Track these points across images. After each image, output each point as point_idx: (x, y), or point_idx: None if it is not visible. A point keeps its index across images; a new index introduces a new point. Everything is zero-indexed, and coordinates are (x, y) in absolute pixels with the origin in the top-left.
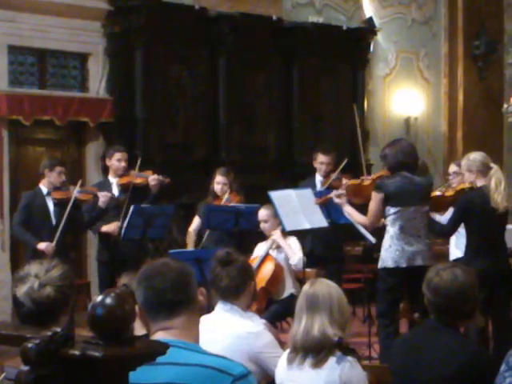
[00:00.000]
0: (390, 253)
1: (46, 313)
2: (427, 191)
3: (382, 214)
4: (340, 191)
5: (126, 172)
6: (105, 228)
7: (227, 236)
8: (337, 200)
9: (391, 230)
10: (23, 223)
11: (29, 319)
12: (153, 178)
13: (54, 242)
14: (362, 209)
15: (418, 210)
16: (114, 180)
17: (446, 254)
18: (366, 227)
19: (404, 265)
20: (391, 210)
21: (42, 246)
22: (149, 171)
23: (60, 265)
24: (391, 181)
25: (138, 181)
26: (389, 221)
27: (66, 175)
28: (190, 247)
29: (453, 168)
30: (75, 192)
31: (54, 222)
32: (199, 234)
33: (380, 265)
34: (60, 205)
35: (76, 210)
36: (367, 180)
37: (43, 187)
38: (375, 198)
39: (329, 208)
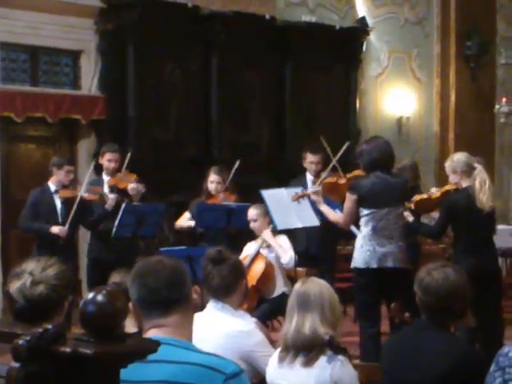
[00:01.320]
0: (361, 253)
1: (38, 311)
2: (402, 192)
3: (357, 215)
4: (316, 188)
5: (115, 173)
6: (54, 229)
7: (223, 235)
8: (313, 197)
9: (364, 231)
10: (31, 218)
11: (21, 316)
12: (131, 188)
13: (67, 227)
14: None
15: (392, 211)
16: (106, 179)
17: (438, 254)
18: (339, 225)
19: (374, 265)
20: (364, 211)
21: (55, 229)
22: (133, 175)
23: (57, 264)
24: (365, 182)
25: (122, 185)
26: (362, 221)
27: (75, 174)
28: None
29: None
30: (82, 191)
31: (60, 219)
32: (190, 232)
33: (352, 264)
34: (67, 203)
35: (82, 209)
36: (342, 179)
37: (51, 185)
38: (349, 199)
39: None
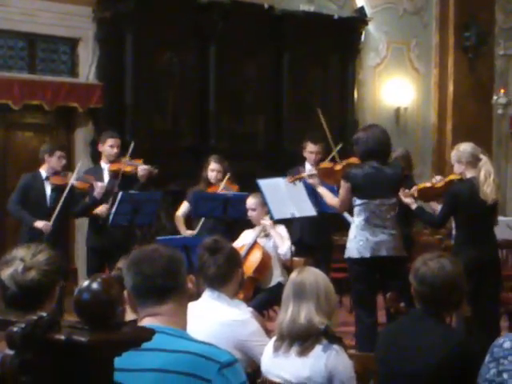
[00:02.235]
0: (354, 243)
1: (30, 296)
2: (395, 183)
3: (351, 202)
4: (312, 171)
5: (117, 158)
6: (38, 224)
7: (221, 224)
8: (310, 180)
9: (357, 220)
10: (20, 203)
11: (13, 302)
12: (142, 168)
13: (51, 222)
14: None
15: (385, 202)
16: (105, 166)
17: (435, 245)
18: (336, 209)
19: (368, 255)
20: (357, 201)
21: (39, 224)
22: (139, 160)
23: (47, 250)
24: (359, 171)
25: (128, 169)
26: (355, 211)
27: (66, 160)
28: (182, 230)
29: None
30: (72, 179)
31: (48, 206)
32: (189, 220)
33: (346, 255)
34: (57, 190)
35: (72, 197)
36: (338, 165)
37: (43, 171)
38: (343, 187)
39: (317, 197)
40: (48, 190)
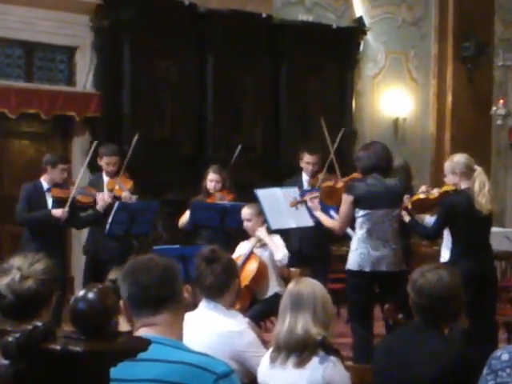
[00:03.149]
0: (355, 255)
1: (27, 306)
2: (398, 194)
3: (352, 218)
4: (314, 194)
5: (114, 174)
6: (54, 211)
7: (218, 234)
8: (310, 204)
9: (359, 233)
10: (27, 212)
11: (10, 312)
12: (124, 196)
13: (67, 208)
14: None
15: (388, 213)
16: (106, 179)
17: (433, 256)
18: (335, 231)
19: (367, 269)
20: (360, 212)
21: (57, 212)
22: (129, 182)
23: (44, 259)
24: (361, 183)
25: (118, 193)
26: (357, 223)
27: (69, 172)
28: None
29: None
30: (75, 192)
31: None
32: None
33: (346, 266)
34: (58, 202)
35: (74, 210)
36: (339, 183)
37: (44, 182)
38: (346, 201)
39: None
40: (49, 201)
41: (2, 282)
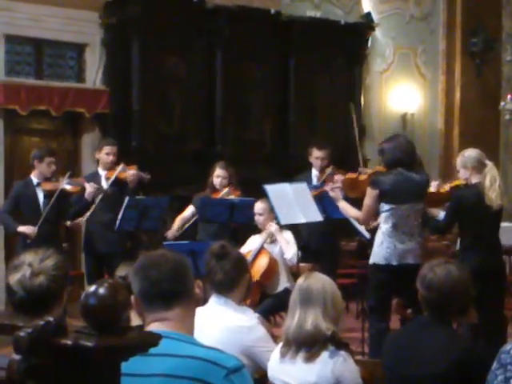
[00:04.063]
0: (381, 249)
1: (38, 301)
2: (423, 189)
3: (376, 211)
4: (335, 184)
5: (113, 166)
6: (21, 228)
7: (223, 229)
8: (332, 193)
9: (384, 227)
10: (9, 212)
11: (21, 307)
12: (131, 173)
13: (37, 227)
14: (357, 203)
15: (412, 207)
16: (103, 173)
17: (442, 251)
18: (359, 222)
19: (394, 262)
20: (385, 206)
21: (22, 228)
22: (133, 166)
23: (54, 255)
24: (386, 177)
25: (121, 176)
26: (382, 217)
27: (57, 165)
28: (172, 231)
29: None
30: (63, 183)
31: (42, 212)
32: (194, 224)
33: (371, 260)
34: (49, 196)
35: (63, 201)
36: (363, 175)
37: (34, 178)
38: (370, 194)
39: (324, 202)
40: (41, 196)
41: (13, 278)
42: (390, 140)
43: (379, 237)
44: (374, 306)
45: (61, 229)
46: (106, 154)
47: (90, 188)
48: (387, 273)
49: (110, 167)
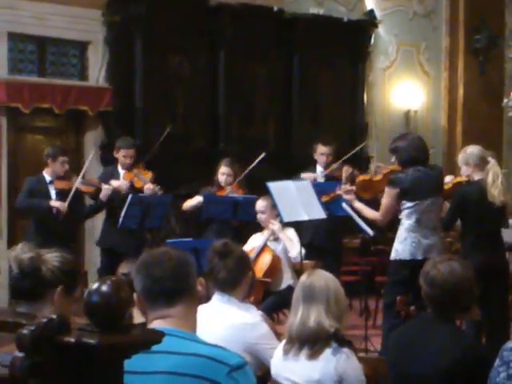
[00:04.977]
0: (405, 245)
1: (31, 285)
2: (441, 182)
3: (396, 209)
4: (349, 187)
5: (131, 167)
6: (54, 203)
7: (227, 227)
8: (346, 197)
9: (406, 223)
10: (28, 199)
11: (15, 290)
12: (147, 188)
13: (66, 203)
14: (369, 204)
15: (434, 202)
16: (121, 171)
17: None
18: (377, 222)
19: (420, 257)
20: (407, 204)
21: (55, 203)
22: (148, 173)
23: (66, 255)
24: (405, 175)
25: (138, 185)
26: (404, 214)
27: (69, 164)
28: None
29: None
30: (77, 183)
31: (54, 210)
32: (198, 223)
33: (394, 257)
34: (62, 194)
35: (76, 201)
36: (378, 175)
37: (47, 175)
38: (389, 194)
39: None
40: (53, 194)
41: (14, 254)
42: (402, 138)
43: (402, 233)
44: (391, 303)
45: (72, 228)
46: (123, 156)
47: (105, 191)
48: (412, 268)
49: (127, 169)
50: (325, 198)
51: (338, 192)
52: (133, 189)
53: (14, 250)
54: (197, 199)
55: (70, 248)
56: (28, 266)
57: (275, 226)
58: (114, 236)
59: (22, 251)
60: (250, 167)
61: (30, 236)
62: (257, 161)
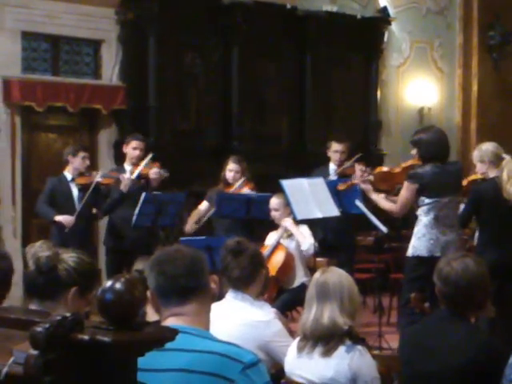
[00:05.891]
0: (423, 241)
1: (46, 282)
2: (460, 180)
3: (413, 204)
4: (366, 176)
5: (139, 161)
6: (58, 217)
7: (238, 224)
8: (363, 186)
9: (424, 219)
10: (46, 204)
11: (30, 286)
12: (153, 172)
13: (74, 217)
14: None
15: (453, 199)
16: (128, 168)
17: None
18: (393, 214)
19: (438, 254)
20: (426, 200)
21: (60, 217)
22: (155, 163)
23: (82, 254)
24: (425, 171)
25: (144, 172)
26: (422, 210)
27: (90, 160)
28: (190, 224)
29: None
30: (98, 177)
31: (77, 208)
32: (208, 219)
33: (411, 253)
34: (84, 190)
35: (97, 195)
36: (397, 168)
37: (67, 174)
38: (408, 188)
39: (341, 197)
40: (75, 191)
41: (32, 251)
42: (426, 131)
43: (420, 229)
44: (409, 300)
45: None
46: (133, 148)
47: (125, 181)
48: (430, 265)
49: (136, 163)
50: (341, 187)
51: (356, 181)
52: (141, 178)
53: (33, 247)
54: (204, 207)
55: (88, 249)
56: (45, 264)
57: (287, 221)
58: (120, 232)
59: (41, 249)
60: None
61: (52, 236)
62: None
